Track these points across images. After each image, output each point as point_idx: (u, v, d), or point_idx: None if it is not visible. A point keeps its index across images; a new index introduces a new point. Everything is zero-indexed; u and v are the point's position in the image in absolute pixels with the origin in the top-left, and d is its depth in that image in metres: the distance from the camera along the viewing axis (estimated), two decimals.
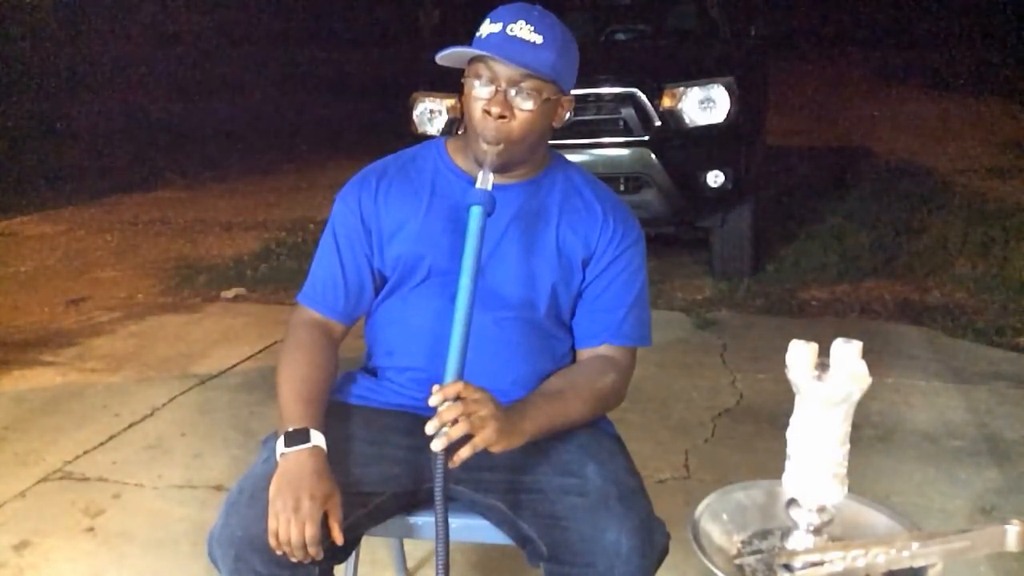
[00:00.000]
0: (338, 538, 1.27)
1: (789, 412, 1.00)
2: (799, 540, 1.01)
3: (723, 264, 4.52)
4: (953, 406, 3.04)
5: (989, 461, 2.66)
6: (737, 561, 1.02)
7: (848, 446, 0.99)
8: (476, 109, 1.38)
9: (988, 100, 11.36)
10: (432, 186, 1.50)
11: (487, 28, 1.37)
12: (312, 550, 1.24)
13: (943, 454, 2.71)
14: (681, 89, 4.08)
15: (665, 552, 1.34)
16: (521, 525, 1.37)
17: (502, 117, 1.36)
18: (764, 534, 1.07)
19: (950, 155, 7.92)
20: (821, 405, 0.96)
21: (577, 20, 5.12)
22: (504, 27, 1.35)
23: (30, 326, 4.05)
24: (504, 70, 1.36)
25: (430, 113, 4.32)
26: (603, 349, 1.50)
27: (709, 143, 4.12)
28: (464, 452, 1.22)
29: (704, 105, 4.08)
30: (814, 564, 0.95)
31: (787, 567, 0.98)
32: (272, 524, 1.23)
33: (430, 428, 1.21)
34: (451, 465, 1.22)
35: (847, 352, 0.95)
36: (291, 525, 1.22)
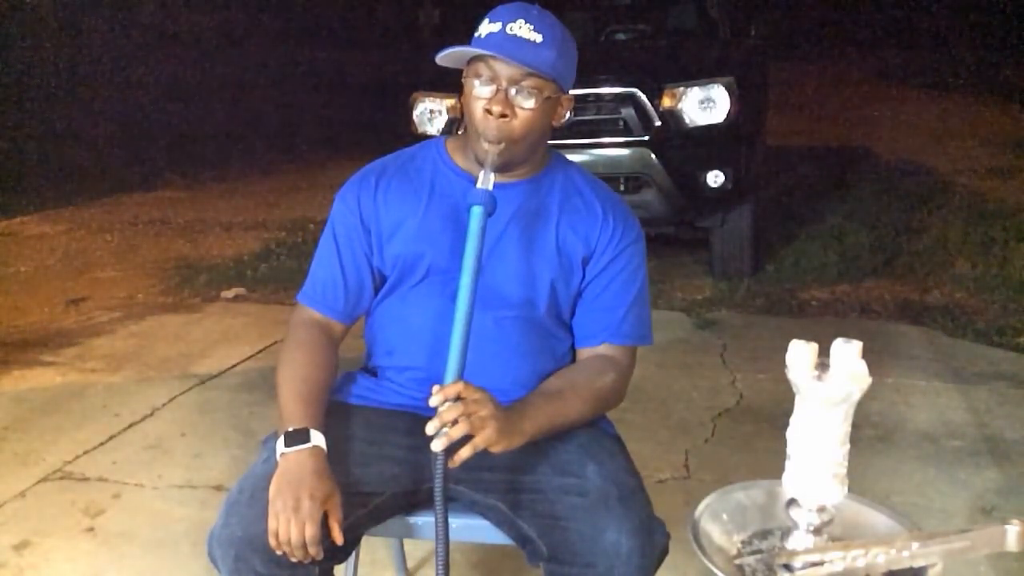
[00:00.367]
0: (338, 538, 1.27)
1: (789, 412, 1.00)
2: (799, 540, 1.01)
3: (723, 264, 4.52)
4: (953, 406, 3.04)
5: (989, 461, 2.66)
6: (737, 561, 1.02)
7: (848, 446, 0.99)
8: (477, 108, 1.38)
9: (988, 100, 11.36)
10: (432, 185, 1.50)
11: (486, 28, 1.37)
12: (312, 550, 1.24)
13: (943, 454, 2.71)
14: (681, 89, 4.08)
15: (665, 552, 1.34)
16: (521, 525, 1.37)
17: (503, 116, 1.36)
18: (764, 534, 1.07)
19: (950, 155, 7.93)
20: (821, 405, 0.96)
21: (577, 20, 5.12)
22: (504, 26, 1.35)
23: (30, 326, 4.05)
24: (505, 69, 1.36)
25: (430, 113, 4.32)
26: (603, 348, 1.50)
27: (709, 143, 4.12)
28: (464, 452, 1.22)
29: (704, 105, 4.08)
30: (814, 564, 0.95)
31: (787, 567, 0.98)
32: (272, 524, 1.23)
33: (430, 428, 1.21)
34: (451, 465, 1.22)
35: (847, 352, 0.95)
36: (291, 525, 1.22)
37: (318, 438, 1.32)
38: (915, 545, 0.92)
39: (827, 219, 5.63)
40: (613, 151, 4.09)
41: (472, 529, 1.46)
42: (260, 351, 3.64)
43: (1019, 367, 3.37)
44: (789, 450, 1.01)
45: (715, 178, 4.08)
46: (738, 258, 4.49)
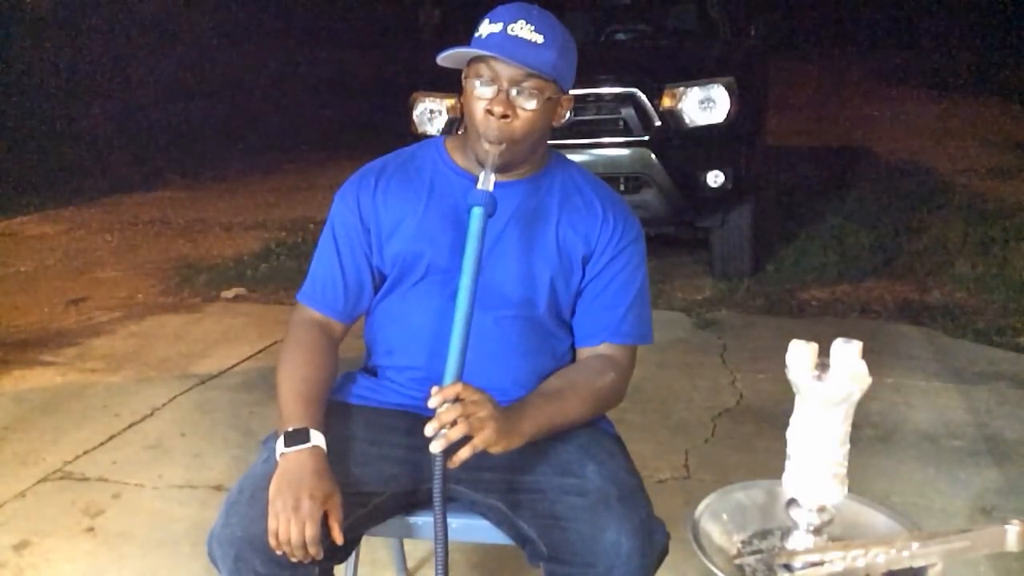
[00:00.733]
0: (338, 538, 1.27)
1: (789, 412, 1.00)
2: (799, 540, 1.01)
3: (723, 264, 4.52)
4: (953, 406, 3.04)
5: (989, 461, 2.66)
6: (737, 561, 1.02)
7: (848, 446, 0.99)
8: (478, 109, 1.38)
9: (988, 100, 11.36)
10: (431, 184, 1.50)
11: (487, 28, 1.37)
12: (312, 550, 1.24)
13: (943, 454, 2.71)
14: (681, 89, 4.08)
15: (665, 552, 1.34)
16: (521, 525, 1.37)
17: (504, 117, 1.36)
18: (764, 534, 1.07)
19: (950, 155, 7.93)
20: (821, 405, 0.96)
21: (577, 20, 5.12)
22: (504, 27, 1.35)
23: (30, 326, 4.05)
24: (506, 70, 1.36)
25: (430, 113, 4.32)
26: (603, 348, 1.50)
27: (709, 143, 4.12)
28: (463, 453, 1.22)
29: (704, 105, 4.08)
30: (814, 564, 0.95)
31: (787, 567, 0.98)
32: (272, 524, 1.23)
33: (429, 430, 1.21)
34: (450, 466, 1.22)
35: (847, 352, 0.95)
36: (291, 525, 1.22)
37: (318, 438, 1.32)
38: (915, 545, 0.92)
39: (827, 219, 5.63)
40: (613, 151, 4.09)
41: (472, 529, 1.46)
42: (260, 351, 3.64)
43: (1019, 367, 3.37)
44: (789, 450, 1.01)
45: (715, 178, 4.08)
46: (738, 258, 4.49)
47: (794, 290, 4.37)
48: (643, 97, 4.04)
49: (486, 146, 1.37)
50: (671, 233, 4.59)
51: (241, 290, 4.55)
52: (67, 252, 5.46)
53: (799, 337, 0.98)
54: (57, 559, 2.24)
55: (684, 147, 4.10)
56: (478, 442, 1.22)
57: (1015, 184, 6.60)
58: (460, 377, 1.24)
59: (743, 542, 1.06)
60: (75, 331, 3.97)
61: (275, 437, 1.35)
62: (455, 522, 1.42)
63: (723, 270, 4.52)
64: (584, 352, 1.52)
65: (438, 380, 1.24)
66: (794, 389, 0.98)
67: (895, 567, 0.93)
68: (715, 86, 4.09)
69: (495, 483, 1.40)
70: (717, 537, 1.05)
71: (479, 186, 1.32)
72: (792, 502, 1.01)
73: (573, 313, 1.53)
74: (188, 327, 4.03)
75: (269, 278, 4.72)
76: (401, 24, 14.60)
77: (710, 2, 5.26)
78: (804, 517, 1.01)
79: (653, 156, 4.05)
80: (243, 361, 3.56)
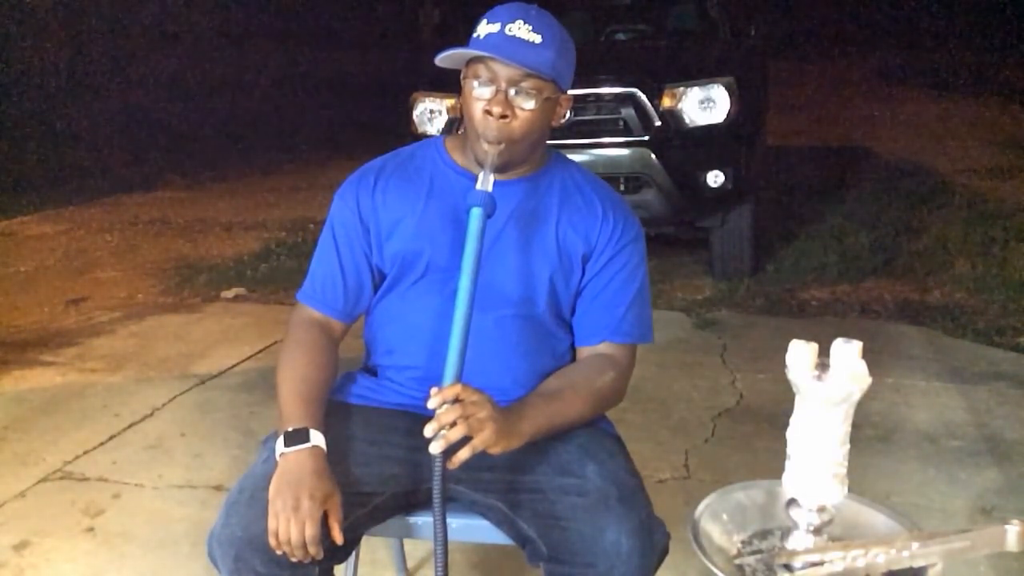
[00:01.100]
0: (338, 538, 1.27)
1: (789, 412, 1.00)
2: (799, 540, 1.01)
3: (723, 264, 4.52)
4: (953, 406, 3.04)
5: (989, 461, 2.66)
6: (737, 561, 1.02)
7: (848, 446, 0.99)
8: (476, 109, 1.38)
9: (988, 100, 11.36)
10: (431, 183, 1.50)
11: (485, 28, 1.37)
12: (312, 549, 1.24)
13: (943, 454, 2.71)
14: (681, 89, 4.08)
15: (665, 552, 1.34)
16: (521, 525, 1.37)
17: (503, 117, 1.36)
18: (764, 534, 1.07)
19: (950, 155, 7.93)
20: (821, 405, 0.96)
21: (577, 20, 5.12)
22: (503, 27, 1.35)
23: (30, 326, 4.05)
24: (504, 70, 1.35)
25: (430, 113, 4.32)
26: (603, 347, 1.50)
27: (709, 143, 4.12)
28: (463, 454, 1.22)
29: (704, 105, 4.09)
30: (814, 564, 0.95)
31: (787, 567, 0.98)
32: (272, 524, 1.23)
33: (428, 431, 1.21)
34: (450, 467, 1.22)
35: (847, 352, 0.95)
36: (291, 525, 1.22)
37: (318, 438, 1.32)
38: (915, 545, 0.92)
39: (827, 219, 5.63)
40: (613, 151, 4.09)
41: (472, 529, 1.46)
42: (260, 351, 3.64)
43: (1019, 367, 3.37)
44: (789, 450, 1.01)
45: (715, 178, 4.08)
46: (738, 258, 4.49)
47: (794, 290, 4.37)
48: (643, 97, 4.04)
49: (485, 146, 1.37)
50: (671, 233, 4.59)
51: (241, 290, 4.55)
52: (67, 252, 5.46)
53: (799, 337, 0.98)
54: (57, 559, 2.24)
55: (684, 147, 4.10)
56: (477, 443, 1.22)
57: (1015, 184, 6.60)
58: (459, 378, 1.24)
59: (743, 542, 1.06)
60: (75, 331, 3.97)
61: (275, 437, 1.35)
62: (455, 522, 1.42)
63: (723, 270, 4.52)
64: (584, 351, 1.52)
65: (438, 379, 1.24)
66: (794, 389, 0.98)
67: (895, 567, 0.93)
68: (715, 86, 4.09)
69: (495, 483, 1.40)
70: (717, 537, 1.05)
71: (478, 186, 1.32)
72: (792, 502, 1.01)
73: (573, 312, 1.53)
74: (188, 327, 4.03)
75: (269, 278, 4.72)
76: (401, 24, 14.60)
77: (710, 2, 5.26)
78: (804, 517, 1.01)
79: (653, 156, 4.05)
80: (243, 361, 3.56)
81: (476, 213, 1.30)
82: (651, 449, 2.71)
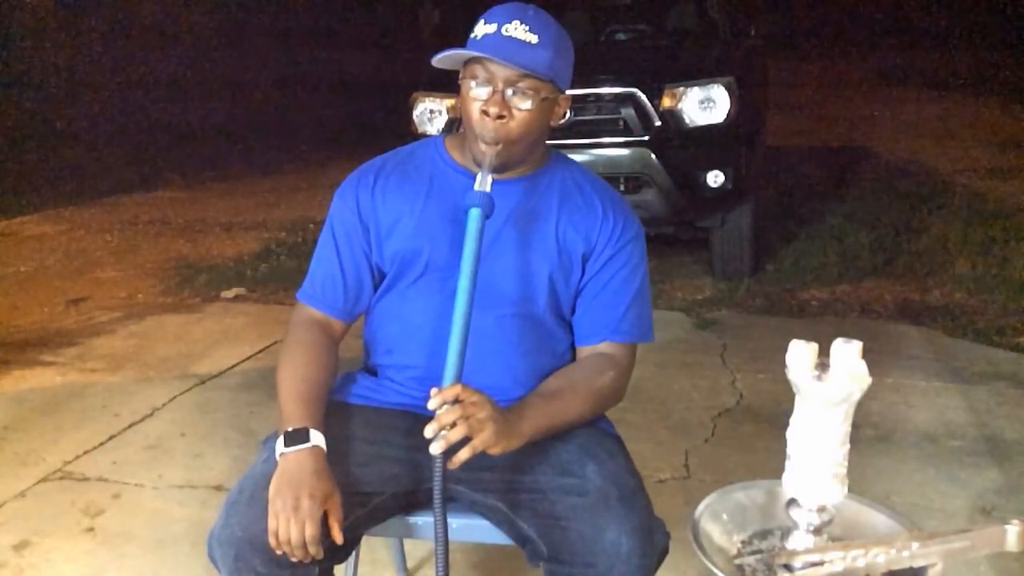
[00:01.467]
0: (338, 537, 1.27)
1: (789, 412, 1.00)
2: (799, 540, 1.01)
3: (723, 264, 4.52)
4: (953, 406, 3.04)
5: (989, 461, 2.66)
6: (737, 561, 1.02)
7: (848, 446, 0.99)
8: (474, 110, 1.38)
9: (988, 100, 11.36)
10: (430, 181, 1.50)
11: (481, 29, 1.37)
12: (312, 549, 1.24)
13: (943, 454, 2.71)
14: (681, 89, 4.08)
15: (665, 552, 1.34)
16: (521, 525, 1.37)
17: (500, 117, 1.36)
18: (764, 534, 1.07)
19: (950, 155, 7.93)
20: (821, 405, 0.96)
21: (577, 20, 5.12)
22: (499, 27, 1.35)
23: (30, 326, 4.05)
24: (501, 71, 1.35)
25: (430, 113, 4.32)
26: (603, 346, 1.50)
27: (709, 143, 4.12)
28: (463, 454, 1.22)
29: (704, 105, 4.08)
30: (814, 564, 0.95)
31: (787, 567, 0.98)
32: (272, 524, 1.23)
33: (429, 432, 1.21)
34: (450, 467, 1.22)
35: (847, 352, 0.95)
36: (291, 525, 1.22)
37: (318, 438, 1.32)
38: (915, 545, 0.92)
39: (827, 219, 5.63)
40: (613, 151, 4.09)
41: (472, 529, 1.46)
42: (260, 351, 3.64)
43: (1019, 367, 3.37)
44: (789, 450, 1.01)
45: (715, 178, 4.08)
46: (738, 258, 4.49)
47: (794, 290, 4.37)
48: (643, 97, 4.04)
49: (482, 147, 1.37)
50: (671, 233, 4.59)
51: (241, 290, 4.55)
52: (67, 252, 5.46)
53: (799, 337, 0.98)
54: (57, 559, 2.24)
55: (684, 147, 4.10)
56: (478, 443, 1.22)
57: (1015, 184, 6.60)
58: (459, 378, 1.24)
59: (743, 542, 1.06)
60: (75, 331, 3.97)
61: (275, 437, 1.35)
62: (455, 522, 1.42)
63: (723, 270, 4.52)
64: (584, 351, 1.52)
65: (438, 379, 1.24)
66: (794, 389, 0.98)
67: (895, 567, 0.93)
68: (715, 86, 4.09)
69: (495, 483, 1.40)
70: (717, 537, 1.05)
71: (476, 187, 1.32)
72: (792, 502, 1.01)
73: (573, 312, 1.53)
74: (188, 327, 4.03)
75: (269, 278, 4.72)
76: (401, 24, 14.60)
77: (710, 2, 5.26)
78: (804, 517, 1.01)
79: (653, 156, 4.05)
80: (243, 361, 3.56)
81: (474, 213, 1.30)
82: (651, 449, 2.71)
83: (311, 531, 1.23)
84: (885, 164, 7.63)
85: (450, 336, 1.25)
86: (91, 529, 2.38)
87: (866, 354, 0.95)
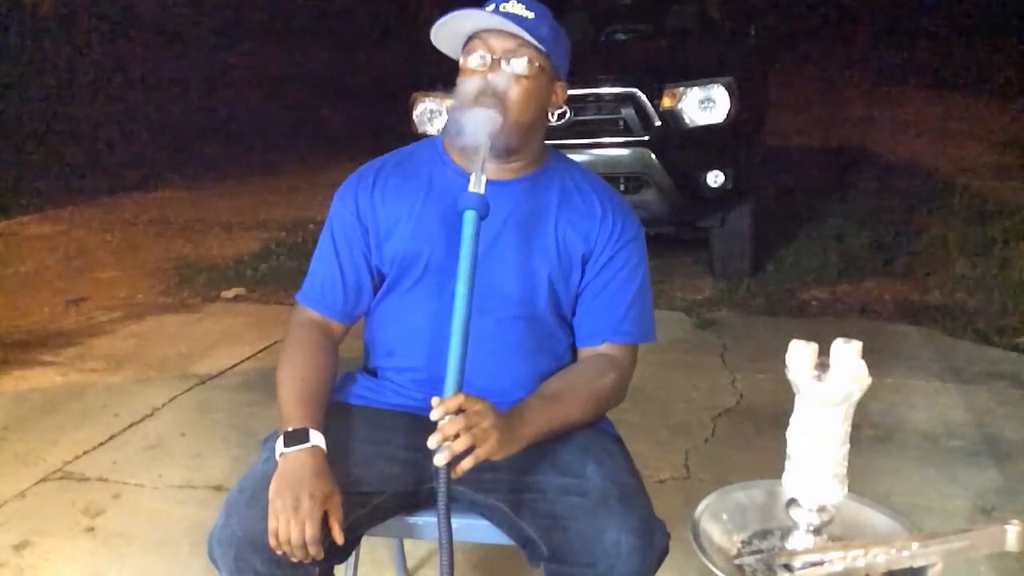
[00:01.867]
0: (338, 537, 1.27)
1: (789, 412, 1.00)
2: (799, 540, 1.01)
3: (723, 264, 4.52)
4: (953, 406, 3.04)
5: (989, 461, 2.66)
6: (737, 561, 1.02)
7: (848, 446, 0.99)
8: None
9: (988, 100, 11.35)
10: (429, 182, 1.50)
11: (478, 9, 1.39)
12: (312, 549, 1.23)
13: (943, 454, 2.71)
14: (681, 89, 4.08)
15: (665, 552, 1.33)
16: (521, 525, 1.37)
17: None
18: (764, 534, 1.07)
19: (950, 155, 7.93)
20: (821, 405, 0.96)
21: (577, 20, 5.12)
22: (496, 6, 1.38)
23: (30, 326, 4.05)
24: (499, 43, 1.37)
25: (430, 113, 4.32)
26: (604, 347, 1.50)
27: (709, 143, 4.12)
28: (466, 464, 1.22)
29: (704, 105, 4.08)
30: (814, 564, 0.95)
31: (787, 567, 0.98)
32: (272, 524, 1.23)
33: (432, 443, 1.20)
34: (454, 476, 1.22)
35: (847, 352, 0.95)
36: (291, 524, 1.22)
37: (317, 438, 1.32)
38: (915, 545, 0.92)
39: (827, 219, 5.63)
40: (613, 151, 4.09)
41: (473, 529, 1.46)
42: (260, 351, 3.64)
43: (1019, 367, 3.37)
44: (789, 450, 1.01)
45: (715, 178, 4.08)
46: (738, 258, 4.49)
47: (794, 290, 4.37)
48: (643, 97, 4.04)
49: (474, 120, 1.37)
50: (671, 233, 4.59)
51: (241, 290, 4.55)
52: (67, 252, 5.46)
53: (799, 337, 0.98)
54: (57, 559, 2.24)
55: (684, 147, 4.10)
56: (482, 453, 1.22)
57: (1015, 184, 6.60)
58: (461, 387, 1.23)
59: (743, 542, 1.06)
60: (75, 331, 3.97)
61: (275, 437, 1.35)
62: (456, 522, 1.42)
63: (723, 270, 4.52)
64: (585, 352, 1.52)
65: (438, 380, 1.24)
66: (794, 389, 0.98)
67: (895, 567, 0.93)
68: (715, 86, 4.09)
69: (496, 483, 1.40)
70: (717, 537, 1.05)
71: (470, 188, 1.30)
72: (792, 502, 1.01)
73: (574, 313, 1.53)
74: (188, 327, 4.03)
75: (269, 278, 4.72)
76: (401, 24, 14.61)
77: (710, 2, 5.26)
78: (804, 517, 1.01)
79: (653, 156, 4.05)
80: (243, 361, 3.56)
81: (469, 216, 1.29)
82: (651, 449, 2.70)
83: (311, 531, 1.23)
84: (885, 164, 7.63)
85: (449, 344, 1.24)
86: (91, 529, 2.37)
87: (866, 354, 0.95)
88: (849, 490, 1.00)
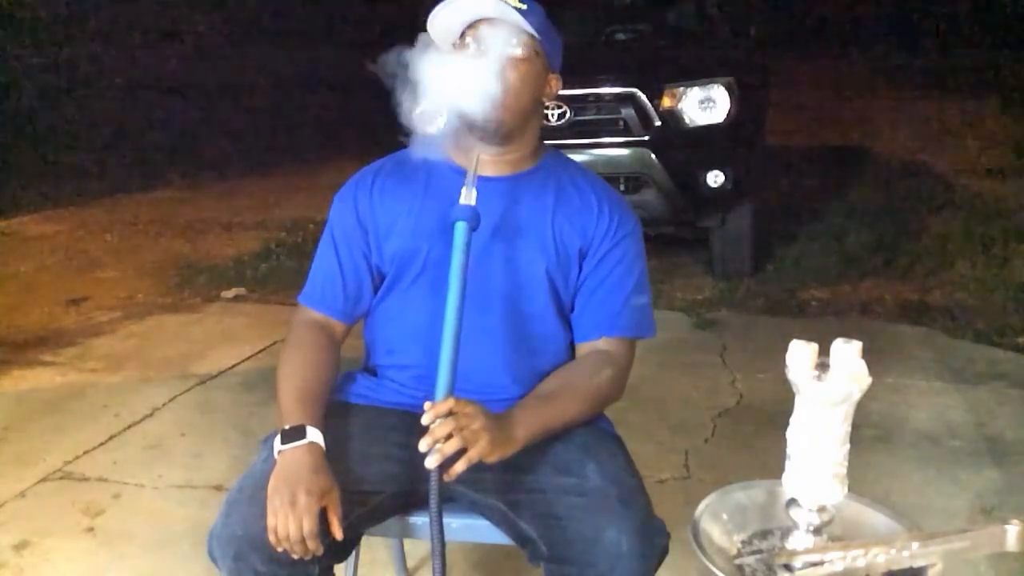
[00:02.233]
0: (338, 533, 1.27)
1: (789, 412, 1.00)
2: (799, 540, 1.01)
3: (723, 264, 4.52)
4: (953, 406, 3.04)
5: (989, 461, 2.66)
6: (737, 561, 1.02)
7: (848, 446, 0.99)
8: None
9: (988, 100, 11.35)
10: (427, 181, 1.51)
11: None
12: (311, 544, 1.23)
13: (943, 454, 2.71)
14: (681, 89, 4.08)
15: (665, 552, 1.33)
16: (521, 525, 1.37)
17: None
18: (764, 534, 1.07)
19: (950, 155, 7.92)
20: (821, 405, 0.96)
21: (577, 20, 5.12)
22: None
23: (30, 326, 4.05)
24: (493, 30, 1.38)
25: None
26: (601, 343, 1.50)
27: (709, 143, 4.12)
28: (459, 466, 1.22)
29: (704, 105, 4.09)
30: (814, 564, 0.95)
31: (787, 567, 0.98)
32: (270, 520, 1.23)
33: (423, 446, 1.21)
34: (447, 479, 1.23)
35: (847, 352, 0.94)
36: (288, 520, 1.22)
37: (315, 435, 1.32)
38: (915, 545, 0.92)
39: (827, 219, 5.63)
40: (613, 151, 4.09)
41: (472, 529, 1.46)
42: (260, 351, 3.64)
43: (1019, 367, 3.37)
44: (789, 450, 1.00)
45: (715, 178, 4.08)
46: (738, 258, 4.49)
47: (794, 290, 4.37)
48: (643, 97, 4.04)
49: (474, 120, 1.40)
50: (671, 233, 4.59)
51: (241, 290, 4.55)
52: (67, 252, 5.46)
53: (799, 337, 0.97)
54: (57, 559, 2.24)
55: (684, 147, 4.10)
56: (473, 455, 1.23)
57: (1015, 184, 6.60)
58: (452, 391, 1.24)
59: (743, 542, 1.06)
60: (75, 331, 3.97)
61: (274, 436, 1.35)
62: (455, 522, 1.43)
63: (723, 270, 4.53)
64: (582, 348, 1.52)
65: (437, 378, 1.24)
66: (794, 389, 0.98)
67: (895, 567, 0.93)
68: (715, 86, 4.09)
69: (495, 483, 1.40)
70: (717, 537, 1.05)
71: (461, 200, 1.33)
72: (792, 502, 1.01)
73: (572, 309, 1.53)
74: (188, 327, 4.03)
75: (269, 278, 4.72)
76: (401, 24, 14.60)
77: (710, 2, 5.26)
78: (804, 517, 1.00)
79: (653, 156, 4.05)
80: (243, 361, 3.56)
81: (460, 227, 1.30)
82: (651, 449, 2.70)
83: (308, 526, 1.22)
84: (885, 164, 7.63)
85: (441, 349, 1.25)
86: (91, 529, 2.37)
87: (866, 354, 0.95)
88: (849, 490, 1.00)
